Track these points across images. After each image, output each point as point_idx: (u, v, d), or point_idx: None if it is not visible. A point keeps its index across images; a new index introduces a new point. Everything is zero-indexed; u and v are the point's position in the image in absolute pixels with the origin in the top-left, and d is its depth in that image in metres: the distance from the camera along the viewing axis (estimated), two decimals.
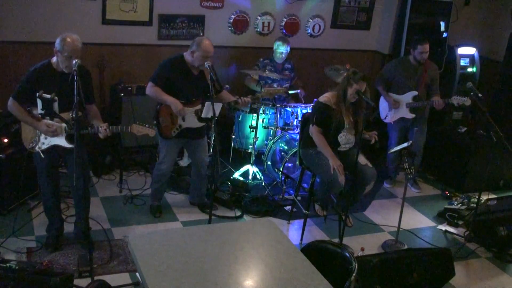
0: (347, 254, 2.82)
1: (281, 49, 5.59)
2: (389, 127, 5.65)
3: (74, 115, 3.31)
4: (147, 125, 3.91)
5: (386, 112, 5.59)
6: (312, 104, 5.32)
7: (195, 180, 4.77)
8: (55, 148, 3.74)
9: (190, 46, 4.28)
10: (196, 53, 4.21)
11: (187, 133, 4.42)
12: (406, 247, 4.51)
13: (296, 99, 5.84)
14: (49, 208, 4.00)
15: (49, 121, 3.64)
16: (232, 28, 5.98)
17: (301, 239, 4.50)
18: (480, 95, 4.65)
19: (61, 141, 3.71)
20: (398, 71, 5.44)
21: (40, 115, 3.46)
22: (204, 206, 4.83)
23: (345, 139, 4.30)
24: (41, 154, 3.73)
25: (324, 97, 4.29)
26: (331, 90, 4.35)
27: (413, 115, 5.40)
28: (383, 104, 5.63)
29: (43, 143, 3.73)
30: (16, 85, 3.67)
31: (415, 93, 5.34)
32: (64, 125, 3.63)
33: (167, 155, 4.48)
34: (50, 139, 3.71)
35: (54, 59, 3.64)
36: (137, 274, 3.46)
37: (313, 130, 4.27)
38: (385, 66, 5.82)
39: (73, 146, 3.47)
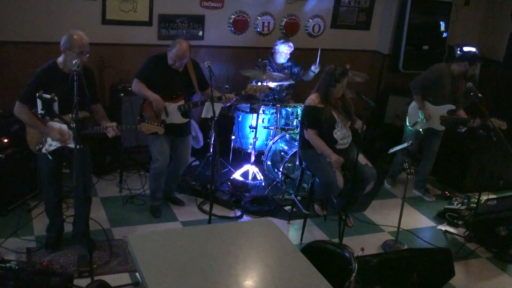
0: (347, 254, 2.82)
1: (283, 48, 5.58)
2: (407, 132, 5.48)
3: (74, 116, 3.30)
4: (155, 123, 3.91)
5: (416, 119, 5.34)
6: None
7: (169, 176, 4.72)
8: (61, 149, 3.72)
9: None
10: (169, 53, 4.31)
11: (172, 129, 4.41)
12: (406, 247, 4.51)
13: (294, 99, 5.83)
14: (51, 208, 4.00)
15: (57, 126, 3.60)
16: (232, 28, 5.97)
17: (301, 239, 4.50)
18: (480, 95, 4.64)
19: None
20: (441, 81, 5.17)
21: (40, 115, 3.45)
22: (172, 201, 4.89)
23: (341, 134, 4.30)
24: (49, 156, 3.70)
25: (309, 100, 4.32)
26: (314, 91, 4.35)
27: (443, 128, 5.24)
28: (413, 109, 5.37)
29: (51, 145, 3.70)
30: (23, 89, 3.61)
31: (453, 107, 5.18)
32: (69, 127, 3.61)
33: (159, 153, 4.46)
34: None
35: (59, 60, 3.61)
36: (137, 274, 3.46)
37: (309, 133, 4.29)
38: (427, 73, 5.26)
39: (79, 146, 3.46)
